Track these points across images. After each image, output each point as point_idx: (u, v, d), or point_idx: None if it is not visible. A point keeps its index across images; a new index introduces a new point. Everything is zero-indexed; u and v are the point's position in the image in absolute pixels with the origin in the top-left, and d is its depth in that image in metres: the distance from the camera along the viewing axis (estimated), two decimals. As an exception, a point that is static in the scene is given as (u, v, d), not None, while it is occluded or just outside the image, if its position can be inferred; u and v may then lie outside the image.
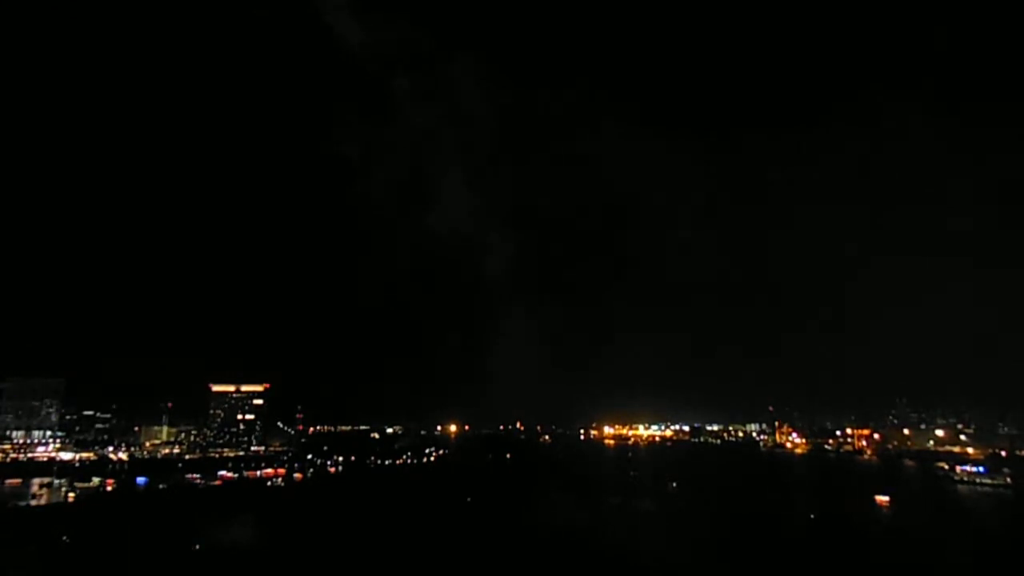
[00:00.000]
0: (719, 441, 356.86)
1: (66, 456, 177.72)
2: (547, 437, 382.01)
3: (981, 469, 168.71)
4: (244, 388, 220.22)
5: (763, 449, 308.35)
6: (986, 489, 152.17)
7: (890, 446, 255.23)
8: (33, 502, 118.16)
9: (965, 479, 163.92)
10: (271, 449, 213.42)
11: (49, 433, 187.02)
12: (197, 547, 79.24)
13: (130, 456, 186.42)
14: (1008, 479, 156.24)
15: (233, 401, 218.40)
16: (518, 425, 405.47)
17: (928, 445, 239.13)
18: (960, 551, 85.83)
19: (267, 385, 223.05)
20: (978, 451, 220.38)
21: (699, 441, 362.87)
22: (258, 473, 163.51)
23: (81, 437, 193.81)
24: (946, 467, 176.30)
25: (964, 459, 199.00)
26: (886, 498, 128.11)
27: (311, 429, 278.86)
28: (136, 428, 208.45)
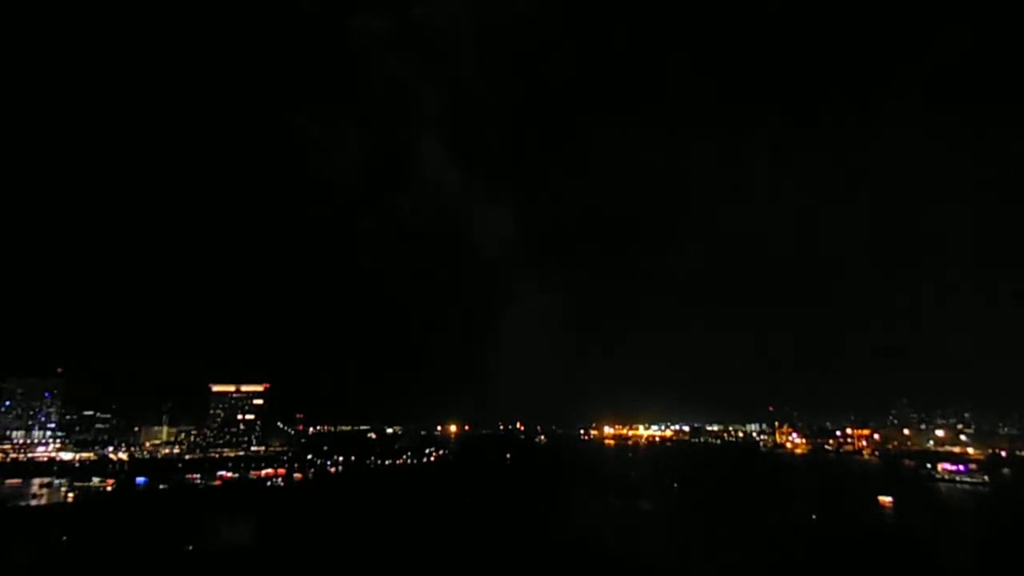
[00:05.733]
0: (719, 441, 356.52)
1: (66, 456, 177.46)
2: (543, 437, 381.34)
3: (962, 468, 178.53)
4: (244, 388, 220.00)
5: (763, 449, 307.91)
6: (965, 486, 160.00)
7: (890, 446, 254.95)
8: (33, 502, 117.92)
9: (946, 477, 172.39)
10: (271, 449, 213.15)
11: (49, 433, 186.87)
12: (191, 547, 79.10)
13: (130, 456, 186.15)
14: (985, 477, 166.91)
15: (233, 401, 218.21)
16: (518, 425, 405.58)
17: (928, 445, 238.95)
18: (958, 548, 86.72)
19: (267, 385, 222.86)
20: (978, 451, 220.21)
21: (699, 441, 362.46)
22: (261, 473, 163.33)
23: (81, 437, 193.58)
24: (929, 466, 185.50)
25: (964, 459, 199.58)
26: (889, 499, 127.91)
27: (311, 429, 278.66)
28: (136, 428, 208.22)
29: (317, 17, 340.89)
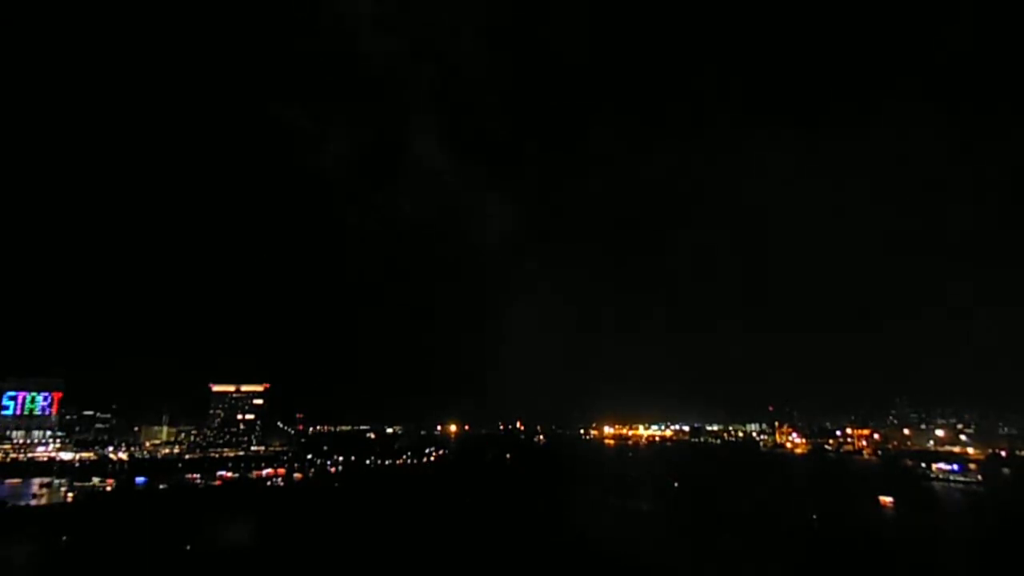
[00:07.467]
0: (719, 441, 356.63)
1: (66, 456, 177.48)
2: (542, 437, 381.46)
3: (955, 467, 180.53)
4: (244, 388, 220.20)
5: (763, 449, 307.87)
6: (959, 485, 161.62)
7: (890, 446, 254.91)
8: (33, 502, 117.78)
9: (940, 476, 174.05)
10: (271, 449, 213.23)
11: (49, 433, 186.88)
12: (191, 547, 79.08)
13: (130, 456, 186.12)
14: (979, 476, 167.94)
15: (233, 401, 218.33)
16: (518, 425, 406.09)
17: (928, 445, 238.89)
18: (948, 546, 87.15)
19: (267, 385, 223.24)
20: (978, 451, 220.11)
21: (699, 441, 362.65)
22: (261, 473, 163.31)
23: (81, 437, 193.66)
24: (924, 465, 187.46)
25: (963, 459, 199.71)
26: (889, 499, 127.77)
27: (311, 429, 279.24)
28: (136, 428, 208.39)
29: (314, 7, 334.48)
